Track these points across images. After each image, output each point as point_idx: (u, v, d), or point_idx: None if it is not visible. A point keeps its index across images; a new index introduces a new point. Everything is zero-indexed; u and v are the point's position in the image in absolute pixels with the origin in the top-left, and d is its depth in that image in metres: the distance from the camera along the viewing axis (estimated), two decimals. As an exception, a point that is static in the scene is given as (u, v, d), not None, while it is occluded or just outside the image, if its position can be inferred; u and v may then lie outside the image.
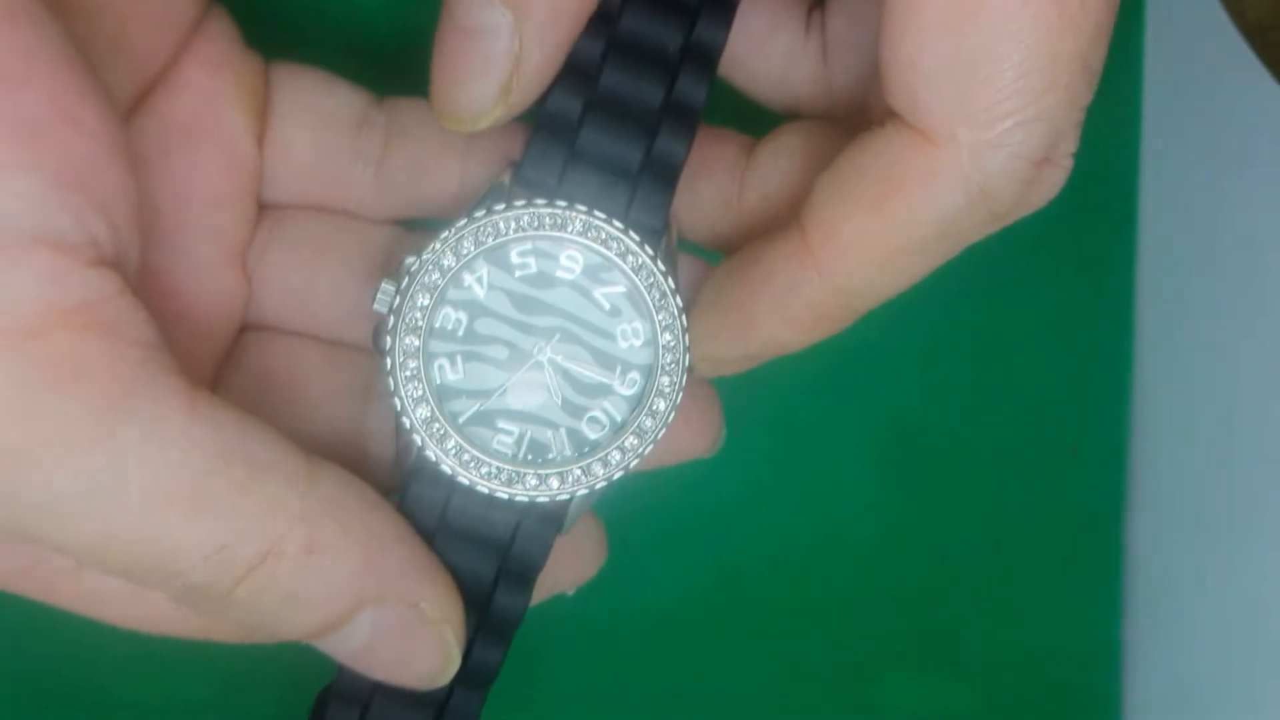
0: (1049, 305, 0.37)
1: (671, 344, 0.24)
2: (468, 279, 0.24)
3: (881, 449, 0.36)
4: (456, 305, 0.24)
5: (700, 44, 0.24)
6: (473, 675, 0.24)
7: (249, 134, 0.25)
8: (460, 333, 0.24)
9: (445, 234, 0.23)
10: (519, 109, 0.23)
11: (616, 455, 0.24)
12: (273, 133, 0.26)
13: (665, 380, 0.24)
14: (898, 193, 0.21)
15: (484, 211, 0.23)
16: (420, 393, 0.23)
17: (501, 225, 0.23)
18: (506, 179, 0.24)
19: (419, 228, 0.27)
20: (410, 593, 0.22)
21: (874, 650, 0.36)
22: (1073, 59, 0.20)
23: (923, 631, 0.37)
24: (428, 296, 0.23)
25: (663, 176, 0.24)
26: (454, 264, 0.23)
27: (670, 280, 0.24)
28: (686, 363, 0.24)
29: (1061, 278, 0.37)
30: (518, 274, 0.24)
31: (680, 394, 0.24)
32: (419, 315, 0.23)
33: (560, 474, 0.23)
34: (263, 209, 0.26)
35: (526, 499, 0.24)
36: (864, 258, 0.22)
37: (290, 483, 0.20)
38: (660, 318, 0.24)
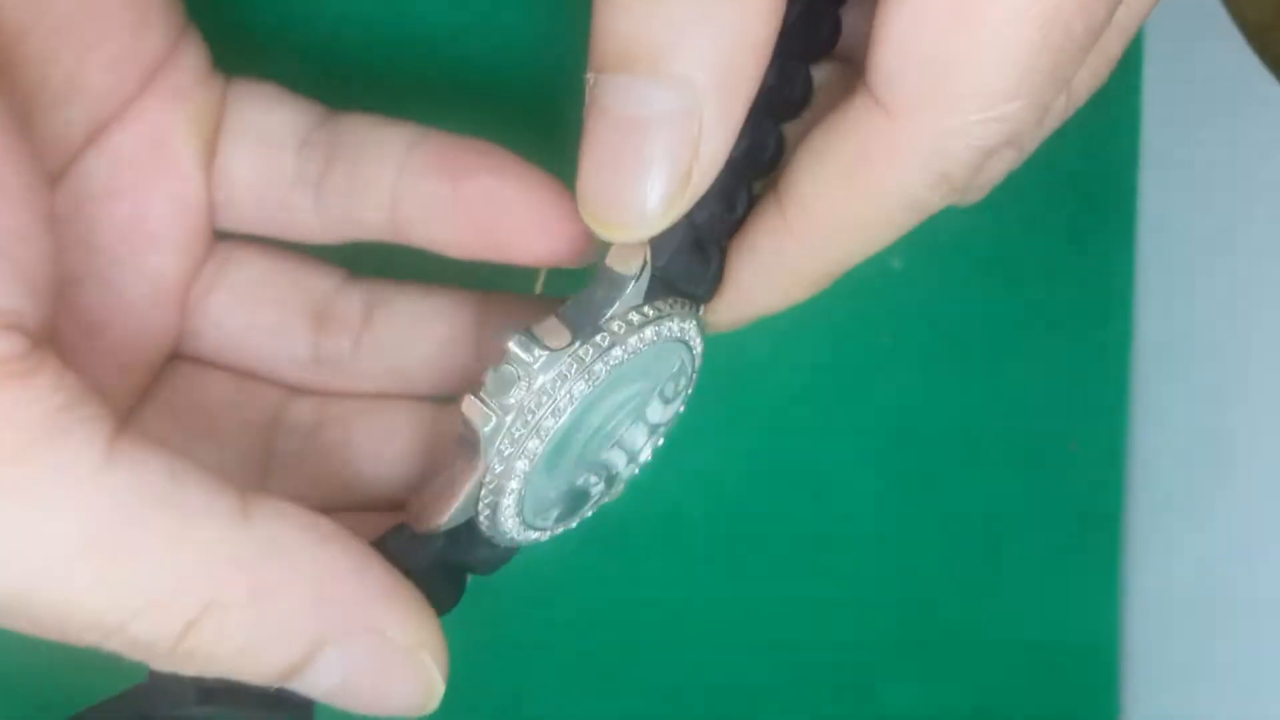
0: (1049, 304, 0.37)
1: (647, 460, 0.24)
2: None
3: (882, 447, 0.36)
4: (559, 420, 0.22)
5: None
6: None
7: (200, 170, 0.25)
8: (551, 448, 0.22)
9: (576, 347, 0.21)
10: (695, 199, 0.20)
11: (574, 521, 0.23)
12: (218, 159, 0.25)
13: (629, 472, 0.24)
14: (865, 169, 0.22)
15: (623, 327, 0.21)
16: (514, 508, 0.22)
17: (635, 357, 0.21)
18: (627, 269, 0.21)
19: (365, 271, 0.26)
20: (375, 621, 0.20)
21: (874, 647, 0.37)
22: (1046, 73, 0.20)
23: (922, 628, 0.37)
24: (554, 419, 0.21)
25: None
26: (587, 390, 0.21)
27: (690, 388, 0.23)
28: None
29: (1061, 277, 0.37)
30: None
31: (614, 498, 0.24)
32: (537, 444, 0.21)
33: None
34: (217, 239, 0.26)
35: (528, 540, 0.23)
36: (837, 228, 0.23)
37: (226, 526, 0.19)
38: (657, 436, 0.24)
